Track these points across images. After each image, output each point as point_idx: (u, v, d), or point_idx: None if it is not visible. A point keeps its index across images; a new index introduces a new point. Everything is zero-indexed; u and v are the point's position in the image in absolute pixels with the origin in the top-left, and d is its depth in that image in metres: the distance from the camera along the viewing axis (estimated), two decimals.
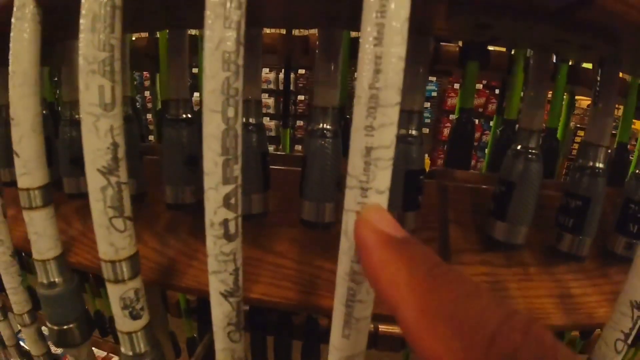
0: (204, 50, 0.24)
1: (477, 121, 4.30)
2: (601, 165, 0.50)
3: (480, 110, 4.26)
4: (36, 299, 0.48)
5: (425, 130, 4.53)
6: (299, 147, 4.22)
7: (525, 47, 0.64)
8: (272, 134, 4.30)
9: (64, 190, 0.61)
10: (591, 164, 0.50)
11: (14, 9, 0.36)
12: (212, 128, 0.25)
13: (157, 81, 0.97)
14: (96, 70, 0.28)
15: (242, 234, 0.29)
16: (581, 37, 0.40)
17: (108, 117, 0.29)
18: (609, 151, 0.50)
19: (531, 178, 0.48)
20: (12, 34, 0.36)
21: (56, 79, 0.91)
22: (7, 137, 0.58)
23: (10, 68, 0.37)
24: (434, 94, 4.54)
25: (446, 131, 4.44)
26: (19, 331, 0.65)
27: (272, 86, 4.39)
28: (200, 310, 0.97)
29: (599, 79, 0.49)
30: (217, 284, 0.30)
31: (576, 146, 3.53)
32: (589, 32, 0.37)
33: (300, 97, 4.42)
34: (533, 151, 0.49)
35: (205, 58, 0.24)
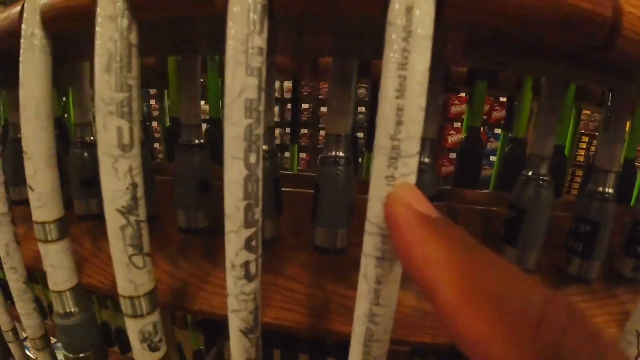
0: (225, 97, 0.25)
1: (481, 129, 4.31)
2: (611, 191, 0.50)
3: (485, 117, 4.26)
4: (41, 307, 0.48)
5: None
6: (302, 155, 4.24)
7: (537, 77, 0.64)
8: (277, 141, 4.31)
9: (75, 211, 0.62)
10: (600, 189, 0.50)
11: (22, 38, 0.35)
12: (234, 174, 0.25)
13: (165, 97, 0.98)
14: (114, 112, 0.28)
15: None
16: (595, 74, 0.40)
17: (127, 157, 0.29)
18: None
19: (542, 205, 0.48)
20: (21, 65, 0.36)
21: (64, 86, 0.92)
22: (15, 155, 0.58)
23: (21, 101, 0.37)
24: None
25: (450, 139, 4.43)
26: (25, 338, 0.65)
27: (276, 94, 4.39)
28: (207, 323, 0.97)
29: (609, 104, 0.49)
30: (237, 321, 0.30)
31: (581, 152, 3.53)
32: (603, 70, 0.37)
33: (305, 105, 4.42)
34: (544, 178, 0.49)
35: (227, 105, 0.24)
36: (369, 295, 0.24)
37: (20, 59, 0.36)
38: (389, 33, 0.21)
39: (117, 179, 0.30)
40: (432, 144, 0.45)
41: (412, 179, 0.22)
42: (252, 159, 0.25)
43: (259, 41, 0.24)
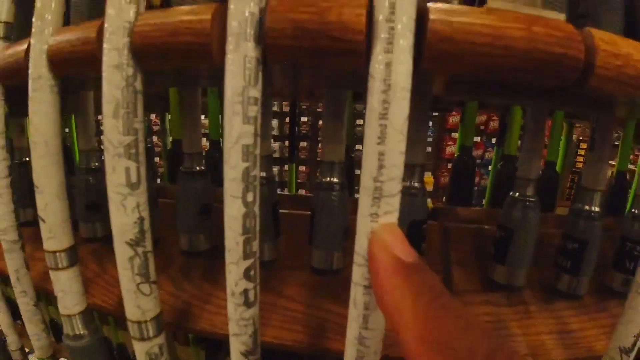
0: (224, 143, 0.27)
1: (479, 139, 4.34)
2: (597, 209, 0.52)
3: (482, 127, 4.28)
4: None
5: (428, 149, 4.54)
6: (302, 168, 4.25)
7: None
8: (277, 155, 4.32)
9: (80, 233, 0.64)
10: (587, 207, 0.52)
11: (30, 79, 0.38)
12: (233, 211, 0.28)
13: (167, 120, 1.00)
14: (122, 154, 0.31)
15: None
16: (574, 106, 0.42)
17: (135, 195, 0.31)
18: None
19: (529, 225, 0.50)
20: (30, 105, 0.38)
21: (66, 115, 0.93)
22: (21, 178, 0.60)
23: (31, 138, 0.39)
24: (435, 112, 4.51)
25: (449, 149, 4.46)
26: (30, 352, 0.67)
27: (275, 108, 4.39)
28: (208, 340, 0.98)
29: (594, 126, 0.51)
30: (238, 344, 0.32)
31: (580, 159, 3.54)
32: (582, 102, 0.39)
33: (304, 119, 4.44)
34: (531, 199, 0.51)
35: (225, 150, 0.27)
36: (358, 320, 0.27)
37: (29, 98, 0.38)
38: (370, 85, 0.23)
39: (126, 214, 0.32)
40: (422, 169, 0.47)
41: (395, 216, 0.25)
42: (250, 197, 0.28)
43: (254, 92, 0.26)
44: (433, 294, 0.21)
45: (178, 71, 0.37)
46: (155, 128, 1.61)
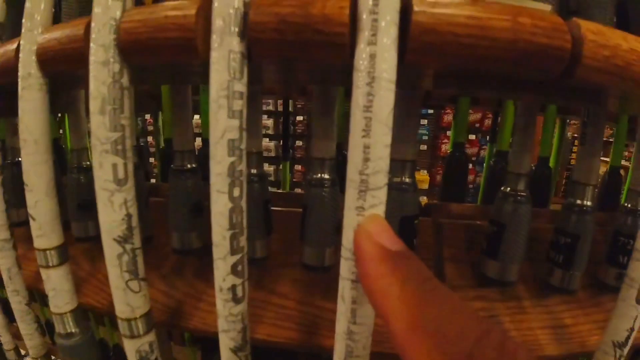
0: (210, 137, 0.27)
1: (474, 136, 4.34)
2: (589, 203, 0.52)
3: (477, 125, 4.28)
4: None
5: (424, 147, 4.55)
6: (298, 167, 4.25)
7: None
8: (272, 154, 4.31)
9: (72, 233, 0.63)
10: (579, 202, 0.52)
11: (19, 78, 0.38)
12: (220, 206, 0.28)
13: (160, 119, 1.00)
14: (109, 150, 0.31)
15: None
16: (564, 99, 0.42)
17: (122, 191, 0.31)
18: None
19: (521, 219, 0.50)
20: (20, 104, 0.38)
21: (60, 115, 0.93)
22: (13, 178, 0.60)
23: (20, 136, 0.39)
24: (431, 110, 4.53)
25: (444, 147, 4.46)
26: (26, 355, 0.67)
27: (270, 107, 4.40)
28: (204, 340, 0.98)
29: (585, 120, 0.51)
30: (227, 341, 0.32)
31: (574, 156, 3.55)
32: (571, 94, 0.39)
33: (299, 118, 4.43)
34: (522, 194, 0.51)
35: (211, 145, 0.27)
36: (346, 315, 0.27)
37: (19, 97, 0.38)
38: (355, 78, 0.23)
39: (113, 211, 0.32)
40: (412, 165, 0.47)
41: (381, 209, 0.25)
42: (236, 192, 0.28)
43: (239, 86, 0.26)
44: (420, 280, 0.21)
45: (166, 67, 0.37)
46: (150, 129, 1.60)
